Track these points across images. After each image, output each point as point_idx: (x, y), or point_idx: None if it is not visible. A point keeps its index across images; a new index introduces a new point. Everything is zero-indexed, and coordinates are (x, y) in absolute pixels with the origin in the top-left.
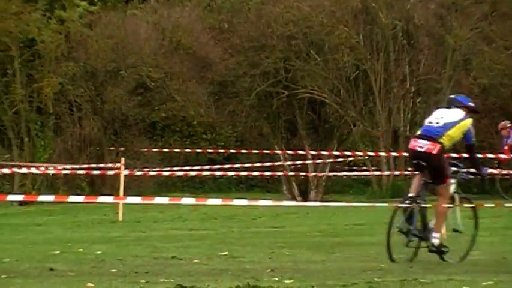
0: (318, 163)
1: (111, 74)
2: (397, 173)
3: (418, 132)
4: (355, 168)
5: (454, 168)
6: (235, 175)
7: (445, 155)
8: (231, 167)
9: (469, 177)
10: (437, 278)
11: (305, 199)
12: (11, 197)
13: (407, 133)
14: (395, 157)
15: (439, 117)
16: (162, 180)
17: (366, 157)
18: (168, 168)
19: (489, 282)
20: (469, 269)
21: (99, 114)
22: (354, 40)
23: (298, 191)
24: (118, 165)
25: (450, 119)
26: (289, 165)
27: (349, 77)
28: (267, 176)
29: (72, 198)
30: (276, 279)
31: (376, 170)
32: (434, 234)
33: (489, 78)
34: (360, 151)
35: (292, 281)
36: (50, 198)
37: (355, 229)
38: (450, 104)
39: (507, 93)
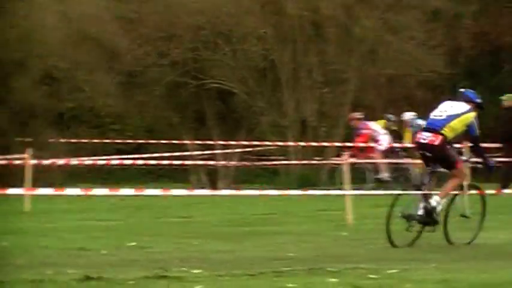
0: (226, 153)
1: (17, 64)
2: (304, 162)
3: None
4: (263, 157)
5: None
6: (144, 165)
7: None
8: (140, 157)
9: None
10: (344, 267)
11: (214, 189)
12: None
13: (315, 123)
14: (302, 147)
15: (443, 110)
16: (71, 171)
17: (274, 147)
18: (76, 158)
19: (394, 270)
20: (374, 257)
21: (5, 104)
22: (262, 30)
23: (207, 181)
24: (25, 156)
25: (453, 112)
26: (197, 155)
27: (257, 67)
28: (176, 165)
29: None
30: (185, 269)
31: (284, 160)
32: (436, 198)
33: (394, 69)
34: (268, 141)
35: (200, 270)
36: None
37: (263, 219)
38: (459, 98)
39: (412, 83)
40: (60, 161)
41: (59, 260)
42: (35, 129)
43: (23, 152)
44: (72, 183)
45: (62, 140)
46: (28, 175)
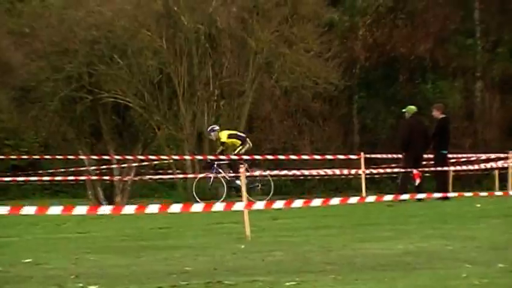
0: (123, 167)
1: None
2: (201, 175)
3: None
4: (160, 171)
5: None
6: (38, 181)
7: None
8: (35, 173)
9: None
10: (242, 280)
11: (111, 204)
12: None
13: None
14: (199, 160)
15: None
16: None
17: (171, 160)
18: None
19: (292, 283)
20: (271, 270)
21: None
22: (157, 44)
23: (103, 196)
24: None
25: None
26: (94, 169)
27: (153, 81)
28: (71, 180)
29: None
30: (81, 285)
31: (181, 173)
32: None
33: (290, 81)
34: (165, 155)
35: (97, 286)
36: None
37: (160, 232)
38: None
39: (308, 94)
40: None
41: None
42: None
43: None
44: None
45: None
46: None
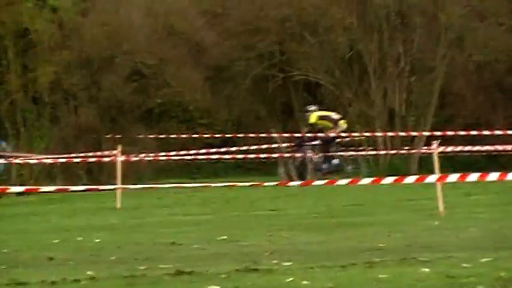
0: (314, 145)
1: (105, 61)
2: (393, 152)
3: None
4: (351, 148)
5: None
6: (231, 159)
7: None
8: (227, 151)
9: None
10: (436, 256)
11: (303, 181)
12: (13, 189)
13: (403, 112)
14: (391, 136)
15: None
16: (160, 167)
17: (362, 137)
18: (163, 153)
19: (488, 259)
20: (466, 246)
21: (94, 102)
22: (348, 21)
23: (296, 173)
24: (115, 152)
25: None
26: (285, 147)
27: (344, 58)
28: (263, 158)
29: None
30: (275, 261)
31: (373, 150)
32: None
33: (483, 55)
34: (356, 131)
35: (291, 263)
36: (51, 189)
37: (352, 209)
38: None
39: (502, 69)
40: (148, 157)
41: (151, 255)
42: (124, 125)
43: (113, 149)
44: (161, 179)
45: (151, 136)
46: (118, 171)
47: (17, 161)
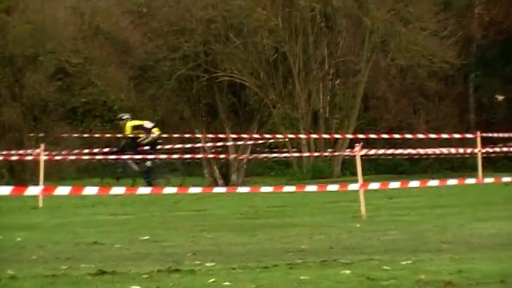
0: (238, 146)
1: (29, 59)
2: (316, 154)
3: None
4: (275, 150)
5: None
6: (155, 158)
7: None
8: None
9: None
10: (357, 258)
11: (227, 182)
12: None
13: (327, 115)
14: (315, 139)
15: None
16: (83, 165)
17: (286, 139)
18: (87, 152)
19: (408, 262)
20: (388, 248)
21: (18, 100)
22: (273, 23)
23: (219, 174)
24: (38, 151)
25: None
26: (210, 148)
27: (269, 60)
28: (187, 158)
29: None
30: (198, 262)
31: (296, 152)
32: None
33: (406, 59)
34: (280, 133)
35: (213, 263)
36: None
37: (276, 211)
38: None
39: (424, 73)
40: (72, 156)
41: (73, 254)
42: (48, 124)
43: (36, 147)
44: (84, 178)
45: (75, 135)
46: (41, 170)
47: None
